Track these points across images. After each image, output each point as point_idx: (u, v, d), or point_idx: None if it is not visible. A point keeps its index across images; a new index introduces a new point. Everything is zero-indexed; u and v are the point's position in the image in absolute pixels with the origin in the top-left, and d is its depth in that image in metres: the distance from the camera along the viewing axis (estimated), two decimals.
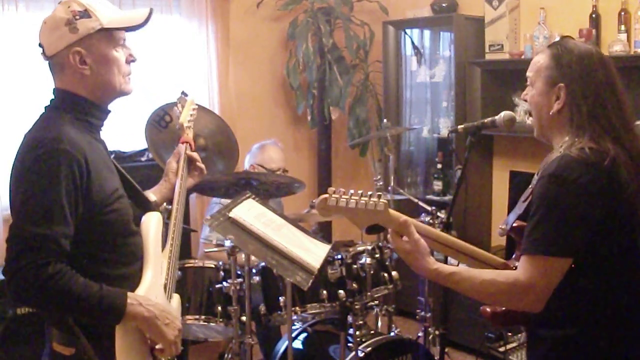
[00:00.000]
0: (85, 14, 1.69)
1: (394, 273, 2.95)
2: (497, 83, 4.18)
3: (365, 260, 2.85)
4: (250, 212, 2.38)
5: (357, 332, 2.82)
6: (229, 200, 2.48)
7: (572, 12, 3.76)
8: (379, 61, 4.72)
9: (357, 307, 2.76)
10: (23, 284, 1.56)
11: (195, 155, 2.15)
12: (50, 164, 1.59)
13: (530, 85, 1.77)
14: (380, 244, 3.00)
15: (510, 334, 3.28)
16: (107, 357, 1.62)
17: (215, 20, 4.28)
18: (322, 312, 2.83)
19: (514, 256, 1.86)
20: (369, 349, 2.83)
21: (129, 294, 1.66)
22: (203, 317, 2.81)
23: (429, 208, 3.22)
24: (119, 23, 1.75)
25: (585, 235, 1.57)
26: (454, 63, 4.21)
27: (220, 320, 2.80)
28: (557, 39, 1.85)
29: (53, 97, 1.77)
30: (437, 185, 4.51)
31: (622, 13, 3.50)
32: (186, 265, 2.86)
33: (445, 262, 2.28)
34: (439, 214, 3.18)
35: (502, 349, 3.21)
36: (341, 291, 2.74)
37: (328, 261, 2.76)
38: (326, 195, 1.68)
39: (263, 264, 2.81)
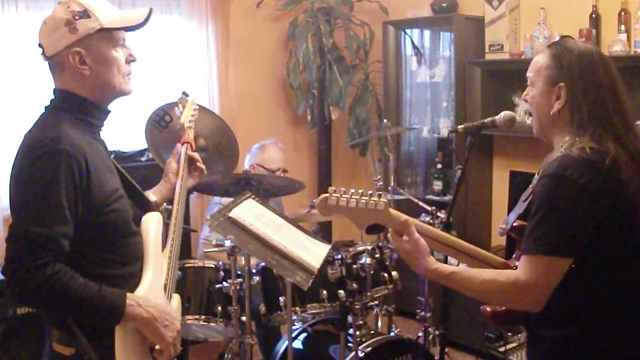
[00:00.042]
0: (85, 14, 1.69)
1: (394, 273, 2.95)
2: (497, 83, 4.18)
3: (365, 260, 2.85)
4: (250, 212, 2.38)
5: (357, 332, 2.82)
6: (229, 201, 2.48)
7: (572, 12, 3.76)
8: (379, 61, 4.72)
9: (357, 307, 2.76)
10: (22, 284, 1.56)
11: (195, 155, 2.15)
12: (50, 164, 1.59)
13: (531, 86, 1.77)
14: (380, 244, 3.00)
15: (510, 333, 3.28)
16: (107, 357, 1.62)
17: (215, 20, 4.28)
18: (322, 312, 2.83)
19: (514, 256, 1.86)
20: (369, 349, 2.83)
21: (129, 294, 1.66)
22: (203, 317, 2.81)
23: (429, 208, 3.22)
24: (119, 23, 1.75)
25: (585, 235, 1.57)
26: (454, 63, 4.22)
27: (220, 320, 2.80)
28: (557, 39, 1.85)
29: (53, 97, 1.77)
30: (437, 185, 4.51)
31: (622, 13, 3.50)
32: (186, 265, 2.86)
33: (445, 261, 2.28)
34: (439, 214, 3.18)
35: (502, 349, 3.21)
36: (341, 291, 2.74)
37: (328, 261, 2.76)
38: (326, 195, 1.68)
39: (263, 264, 2.81)
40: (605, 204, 1.57)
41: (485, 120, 2.35)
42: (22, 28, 3.57)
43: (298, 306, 2.75)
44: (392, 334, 3.23)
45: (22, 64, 3.60)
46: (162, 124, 2.63)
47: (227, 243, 2.72)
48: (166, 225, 1.97)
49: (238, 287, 2.73)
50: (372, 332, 3.08)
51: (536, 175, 1.73)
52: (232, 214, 2.29)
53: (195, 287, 2.85)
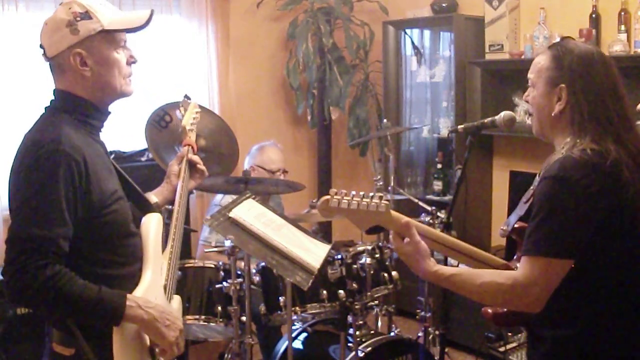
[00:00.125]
0: (86, 15, 1.69)
1: (394, 273, 2.95)
2: (497, 83, 4.18)
3: (365, 260, 2.85)
4: (250, 212, 2.39)
5: (357, 332, 2.82)
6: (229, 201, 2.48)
7: (572, 12, 3.76)
8: (379, 61, 4.72)
9: (357, 307, 2.76)
10: (21, 286, 1.56)
11: (196, 158, 2.16)
12: (49, 165, 1.59)
13: (532, 87, 1.77)
14: (380, 244, 3.00)
15: (510, 334, 3.28)
16: (107, 358, 1.62)
17: (215, 20, 4.28)
18: (322, 312, 2.83)
19: (515, 257, 1.86)
20: (369, 349, 2.83)
21: (129, 295, 1.66)
22: (203, 317, 2.81)
23: (429, 208, 3.22)
24: (120, 25, 1.75)
25: (586, 236, 1.57)
26: (454, 63, 4.21)
27: (220, 320, 2.80)
28: (558, 39, 1.85)
29: (53, 98, 1.77)
30: (437, 185, 4.51)
31: (622, 13, 3.50)
32: (186, 266, 2.86)
33: (446, 262, 2.28)
34: (439, 214, 3.18)
35: (502, 349, 3.21)
36: (341, 291, 2.74)
37: (328, 261, 2.75)
38: (328, 197, 1.68)
39: (263, 264, 2.81)
40: (606, 205, 1.57)
41: (485, 120, 2.36)
42: (22, 28, 3.57)
43: (298, 306, 2.75)
44: (392, 334, 3.23)
45: (22, 64, 3.60)
46: (162, 124, 2.63)
47: (227, 243, 2.72)
48: (166, 226, 1.97)
49: (238, 287, 2.74)
50: (372, 332, 3.08)
51: (537, 176, 1.73)
52: (232, 214, 2.29)
53: (195, 287, 2.85)
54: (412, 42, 4.58)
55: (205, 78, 4.30)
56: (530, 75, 1.78)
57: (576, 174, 1.57)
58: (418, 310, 3.36)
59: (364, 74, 4.78)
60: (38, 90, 3.39)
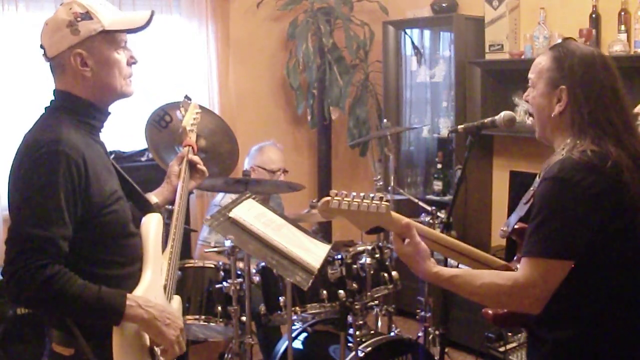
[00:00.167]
0: (87, 15, 1.69)
1: (394, 273, 2.96)
2: (497, 83, 4.18)
3: (365, 260, 2.85)
4: (250, 212, 2.39)
5: (357, 332, 2.82)
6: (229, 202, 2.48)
7: (572, 12, 3.76)
8: (379, 61, 4.72)
9: (357, 307, 2.76)
10: (21, 286, 1.56)
11: (196, 158, 2.16)
12: (48, 165, 1.59)
13: (532, 87, 1.77)
14: (380, 244, 3.00)
15: (510, 334, 3.29)
16: (107, 358, 1.62)
17: (215, 20, 4.28)
18: (322, 312, 2.83)
19: (515, 258, 1.86)
20: (369, 349, 2.83)
21: (128, 295, 1.66)
22: (203, 317, 2.81)
23: (429, 208, 3.22)
24: (121, 25, 1.75)
25: (586, 238, 1.57)
26: (454, 63, 4.21)
27: (220, 320, 2.80)
28: (558, 39, 1.85)
29: (53, 98, 1.77)
30: (437, 185, 4.51)
31: (622, 13, 3.50)
32: (186, 265, 2.86)
33: (445, 263, 2.29)
34: (439, 214, 3.18)
35: (502, 349, 3.21)
36: (341, 291, 2.74)
37: (328, 261, 2.75)
38: (328, 198, 1.67)
39: (263, 264, 2.81)
40: (606, 206, 1.57)
41: (485, 120, 2.36)
42: (22, 28, 3.57)
43: (298, 306, 2.75)
44: (392, 334, 3.23)
45: (22, 65, 3.60)
46: (162, 124, 2.63)
47: (227, 243, 2.72)
48: (166, 226, 1.97)
49: (238, 287, 2.74)
50: (372, 332, 3.08)
51: (537, 177, 1.73)
52: (232, 214, 2.29)
53: (195, 287, 2.85)
54: (412, 42, 4.58)
55: (205, 78, 4.30)
56: (530, 75, 1.78)
57: (576, 175, 1.57)
58: (418, 310, 3.36)
59: (364, 74, 4.78)
60: (38, 90, 3.39)
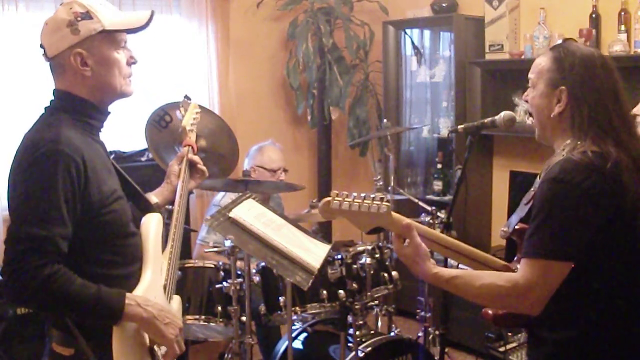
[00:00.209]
0: (87, 15, 1.69)
1: (394, 273, 2.96)
2: (497, 83, 4.18)
3: (365, 260, 2.85)
4: (250, 212, 2.39)
5: (357, 332, 2.82)
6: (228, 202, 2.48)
7: (572, 12, 3.76)
8: (379, 61, 4.72)
9: (357, 307, 2.76)
10: (20, 285, 1.56)
11: (196, 158, 2.16)
12: (47, 165, 1.59)
13: (532, 87, 1.77)
14: (380, 244, 3.00)
15: (510, 334, 3.28)
16: (107, 358, 1.62)
17: (215, 20, 4.28)
18: (322, 312, 2.83)
19: (515, 258, 1.86)
20: (369, 349, 2.83)
21: (127, 294, 1.66)
22: (203, 317, 2.81)
23: (429, 208, 3.22)
24: (121, 25, 1.75)
25: (586, 239, 1.57)
26: (454, 63, 4.21)
27: (220, 320, 2.80)
28: (558, 39, 1.85)
29: (53, 98, 1.77)
30: (437, 185, 4.51)
31: (622, 13, 3.50)
32: (186, 265, 2.86)
33: (445, 263, 2.29)
34: (439, 214, 3.18)
35: (502, 349, 3.21)
36: (341, 291, 2.74)
37: (328, 261, 2.76)
38: (329, 199, 1.67)
39: (263, 264, 2.81)
40: (606, 207, 1.57)
41: (485, 120, 2.35)
42: (22, 28, 3.57)
43: (298, 306, 2.75)
44: (392, 334, 3.23)
45: (22, 64, 3.60)
46: (162, 124, 2.63)
47: (227, 243, 2.72)
48: (166, 226, 1.97)
49: (238, 287, 2.74)
50: (372, 332, 3.08)
51: (538, 178, 1.73)
52: (232, 214, 2.29)
53: (195, 287, 2.85)
54: (412, 42, 4.58)
55: (205, 78, 4.30)
56: (530, 75, 1.78)
57: (577, 176, 1.57)
58: (418, 310, 3.36)
59: (364, 74, 4.78)
60: (38, 90, 3.39)
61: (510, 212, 1.88)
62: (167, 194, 2.10)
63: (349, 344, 2.83)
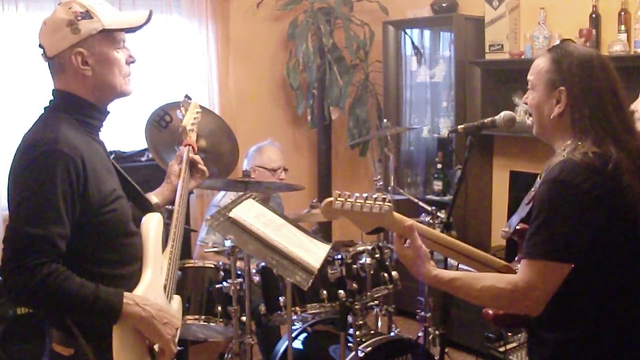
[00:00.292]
0: (87, 15, 1.69)
1: (394, 273, 2.95)
2: (497, 83, 4.18)
3: (365, 260, 2.85)
4: (250, 212, 2.39)
5: (357, 332, 2.82)
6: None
7: (572, 12, 3.76)
8: (379, 61, 4.72)
9: (357, 307, 2.76)
10: (18, 285, 1.56)
11: (197, 158, 2.16)
12: (46, 164, 1.59)
13: (531, 89, 1.77)
14: (380, 244, 3.00)
15: (510, 334, 3.29)
16: (107, 357, 1.62)
17: (215, 20, 4.28)
18: (322, 312, 2.84)
19: (516, 258, 1.86)
20: (369, 349, 2.83)
21: (126, 293, 1.66)
22: (203, 317, 2.81)
23: (429, 208, 3.22)
24: (120, 24, 1.75)
25: (586, 240, 1.57)
26: (454, 63, 4.21)
27: (220, 320, 2.80)
28: (558, 39, 1.85)
29: (52, 98, 1.77)
30: (437, 185, 4.51)
31: (622, 13, 3.50)
32: (186, 265, 2.86)
33: (446, 263, 2.29)
34: (439, 214, 3.18)
35: (502, 349, 3.21)
36: (341, 291, 2.74)
37: (328, 261, 2.75)
38: (331, 199, 1.67)
39: (263, 264, 2.81)
40: (607, 209, 1.57)
41: (485, 120, 2.35)
42: (22, 28, 3.57)
43: (298, 306, 2.75)
44: (392, 334, 3.23)
45: (22, 64, 3.60)
46: (162, 124, 2.63)
47: (227, 243, 2.72)
48: (166, 226, 1.97)
49: (238, 287, 2.74)
50: (372, 332, 3.08)
51: (538, 178, 1.73)
52: (232, 214, 2.29)
53: (195, 287, 2.85)
54: (412, 42, 4.58)
55: (205, 78, 4.30)
56: (530, 77, 1.78)
57: (577, 177, 1.57)
58: (418, 310, 3.36)
59: (364, 74, 4.78)
60: (38, 90, 3.39)
61: (510, 212, 1.88)
62: (168, 193, 2.10)
63: (349, 344, 2.82)
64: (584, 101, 1.65)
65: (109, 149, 1.89)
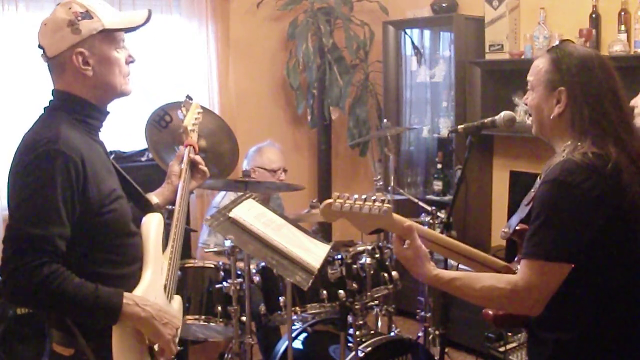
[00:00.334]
0: (87, 15, 1.69)
1: (394, 273, 2.95)
2: (497, 83, 4.18)
3: (365, 260, 2.85)
4: (250, 212, 2.38)
5: (357, 332, 2.82)
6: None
7: (572, 12, 3.76)
8: (379, 61, 4.72)
9: (357, 307, 2.76)
10: (18, 285, 1.56)
11: (198, 158, 2.16)
12: (45, 165, 1.59)
13: (531, 90, 1.77)
14: (380, 244, 3.00)
15: (510, 334, 3.29)
16: (107, 357, 1.62)
17: (215, 20, 4.28)
18: (322, 312, 2.83)
19: (516, 259, 1.86)
20: (369, 349, 2.83)
21: (126, 294, 1.66)
22: (203, 317, 2.81)
23: (429, 208, 3.22)
24: (120, 24, 1.75)
25: (586, 240, 1.57)
26: (454, 63, 4.21)
27: (220, 320, 2.80)
28: (558, 39, 1.85)
29: (52, 99, 1.77)
30: (437, 185, 4.51)
31: (622, 13, 3.50)
32: (186, 265, 2.86)
33: (445, 263, 2.29)
34: (439, 214, 3.18)
35: (502, 349, 3.21)
36: (341, 291, 2.74)
37: (328, 261, 2.75)
38: (330, 200, 1.67)
39: (263, 264, 2.81)
40: (606, 209, 1.57)
41: (485, 120, 2.35)
42: (22, 28, 3.57)
43: (298, 306, 2.75)
44: (392, 334, 3.23)
45: (22, 64, 3.60)
46: (162, 124, 2.63)
47: (227, 243, 2.72)
48: (167, 226, 1.97)
49: (238, 287, 2.74)
50: (372, 332, 3.08)
51: (538, 179, 1.73)
52: (232, 214, 2.29)
53: (195, 287, 2.85)
54: (412, 42, 4.58)
55: (205, 78, 4.30)
56: (529, 77, 1.78)
57: (577, 177, 1.57)
58: (418, 310, 3.36)
59: (364, 74, 4.78)
60: (38, 91, 3.39)
61: (510, 212, 1.88)
62: (168, 194, 2.10)
63: (349, 344, 2.83)
64: (583, 101, 1.65)
65: (109, 149, 1.89)
